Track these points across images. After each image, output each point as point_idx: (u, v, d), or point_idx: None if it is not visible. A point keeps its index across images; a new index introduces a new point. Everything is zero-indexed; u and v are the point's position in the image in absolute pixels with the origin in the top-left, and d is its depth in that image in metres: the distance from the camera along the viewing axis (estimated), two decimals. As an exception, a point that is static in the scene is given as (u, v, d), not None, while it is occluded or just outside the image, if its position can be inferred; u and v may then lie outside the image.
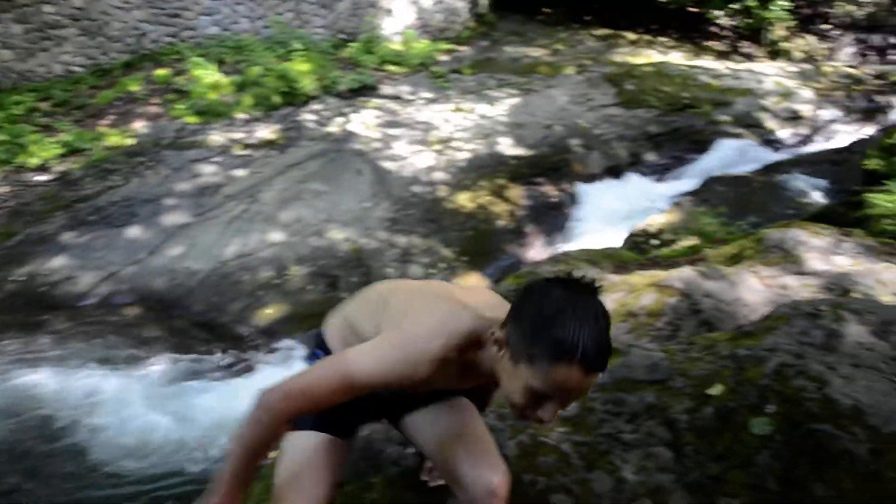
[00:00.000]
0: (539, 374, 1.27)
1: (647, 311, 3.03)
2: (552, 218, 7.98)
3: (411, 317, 1.44)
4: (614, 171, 9.13)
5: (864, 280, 3.01)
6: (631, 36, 13.28)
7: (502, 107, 10.04)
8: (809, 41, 15.38)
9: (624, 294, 3.23)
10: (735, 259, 3.56)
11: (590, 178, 8.83)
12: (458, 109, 9.88)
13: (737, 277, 3.20)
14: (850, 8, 15.72)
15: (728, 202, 7.14)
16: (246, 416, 1.43)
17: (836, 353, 2.03)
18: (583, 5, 13.97)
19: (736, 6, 14.82)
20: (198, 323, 6.16)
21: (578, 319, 1.22)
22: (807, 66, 12.58)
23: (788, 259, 3.30)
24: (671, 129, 10.07)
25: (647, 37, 13.42)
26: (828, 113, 10.80)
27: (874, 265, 3.16)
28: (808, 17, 16.16)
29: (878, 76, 12.53)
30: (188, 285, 6.47)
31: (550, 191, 8.42)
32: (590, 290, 1.28)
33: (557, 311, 1.25)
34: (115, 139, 8.20)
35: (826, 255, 3.29)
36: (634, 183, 8.99)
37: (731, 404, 1.95)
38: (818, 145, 10.03)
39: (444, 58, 11.72)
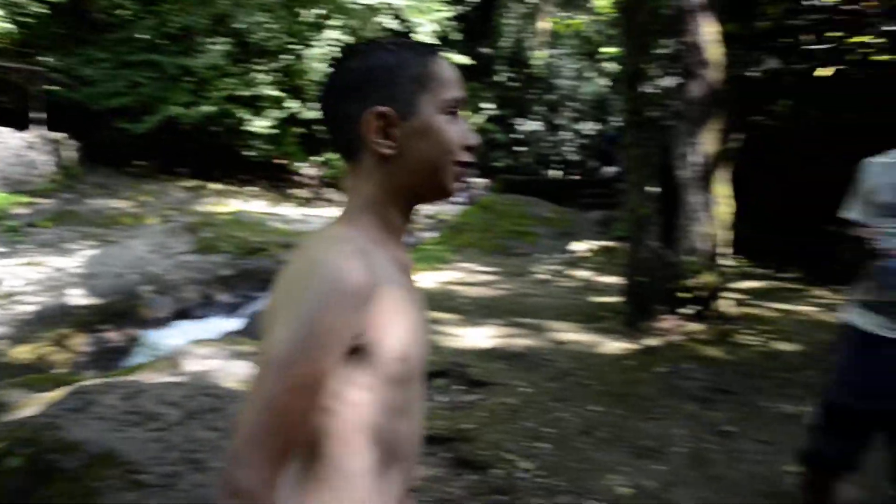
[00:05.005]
0: (429, 96, 1.09)
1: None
2: (110, 362, 8.51)
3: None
4: (184, 314, 9.98)
5: (218, 373, 4.38)
6: (218, 186, 14.56)
7: (78, 258, 10.45)
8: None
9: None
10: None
11: (158, 321, 9.55)
12: (30, 263, 10.09)
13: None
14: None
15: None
16: None
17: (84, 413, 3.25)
18: (175, 158, 15.02)
19: (319, 159, 17.03)
20: None
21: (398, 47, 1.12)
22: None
23: (172, 364, 4.62)
24: (242, 271, 11.26)
25: (234, 187, 14.81)
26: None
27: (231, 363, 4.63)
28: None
29: (430, 216, 15.18)
30: None
31: (114, 336, 8.98)
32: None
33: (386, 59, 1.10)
34: None
35: (201, 359, 4.64)
36: (203, 323, 9.89)
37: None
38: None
39: (23, 211, 11.84)
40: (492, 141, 19.95)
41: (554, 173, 20.34)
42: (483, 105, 19.94)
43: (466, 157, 1.13)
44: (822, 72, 7.45)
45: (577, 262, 9.43)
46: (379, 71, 1.09)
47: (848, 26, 7.59)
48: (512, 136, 19.26)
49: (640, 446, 3.84)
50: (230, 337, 7.05)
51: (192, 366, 4.49)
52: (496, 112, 19.83)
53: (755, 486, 3.42)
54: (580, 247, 10.09)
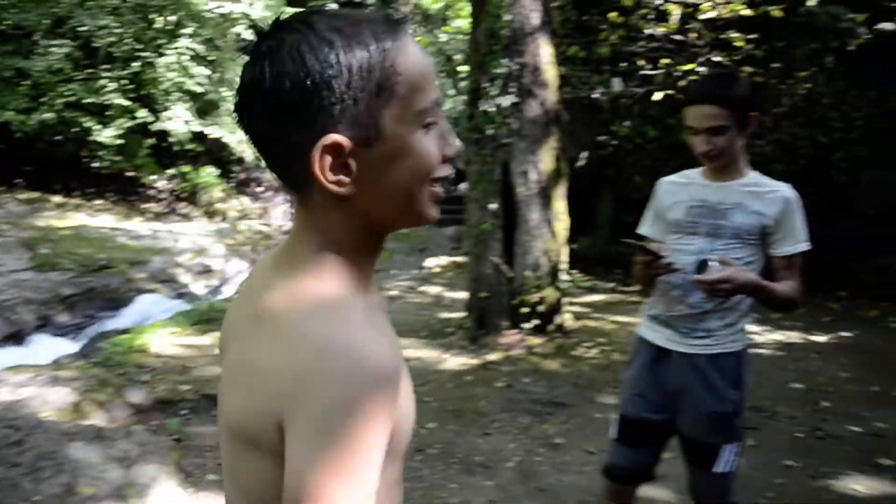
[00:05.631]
0: (396, 109, 0.82)
1: None
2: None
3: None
4: (17, 336, 9.26)
5: (31, 402, 4.06)
6: (60, 199, 13.69)
7: None
8: (244, 202, 17.58)
9: None
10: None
11: (-17, 345, 8.81)
12: None
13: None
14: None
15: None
16: None
17: None
18: (9, 168, 13.98)
19: (172, 171, 16.36)
20: None
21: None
22: (224, 225, 14.38)
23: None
24: (86, 290, 10.58)
25: (79, 200, 13.97)
26: (235, 265, 12.48)
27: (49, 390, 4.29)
28: (244, 181, 18.49)
29: (287, 231, 14.93)
30: None
31: (-72, 363, 8.20)
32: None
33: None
34: None
35: (14, 387, 4.29)
36: (41, 345, 9.21)
37: None
38: (227, 294, 11.52)
39: None
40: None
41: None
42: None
43: (444, 172, 0.88)
44: (656, 96, 7.88)
45: (429, 277, 9.49)
46: (325, 80, 0.78)
47: (677, 55, 8.08)
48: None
49: (472, 462, 3.87)
50: (59, 362, 6.61)
51: (1, 395, 4.13)
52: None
53: (578, 497, 3.51)
54: (434, 262, 10.18)
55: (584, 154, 9.31)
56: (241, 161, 17.32)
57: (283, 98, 0.79)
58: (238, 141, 14.54)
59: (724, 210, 2.20)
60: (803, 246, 2.19)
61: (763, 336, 6.50)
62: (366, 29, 0.81)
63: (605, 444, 3.94)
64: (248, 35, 14.18)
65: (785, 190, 2.21)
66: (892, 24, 8.44)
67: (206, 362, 5.31)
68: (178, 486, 3.51)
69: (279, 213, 18.33)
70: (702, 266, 2.06)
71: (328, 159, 0.80)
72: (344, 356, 0.75)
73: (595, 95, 8.91)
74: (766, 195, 2.19)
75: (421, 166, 0.84)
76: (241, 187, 18.06)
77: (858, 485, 3.71)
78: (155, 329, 6.34)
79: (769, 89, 8.74)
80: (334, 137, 0.79)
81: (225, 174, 17.03)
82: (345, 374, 0.74)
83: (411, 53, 0.83)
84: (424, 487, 3.55)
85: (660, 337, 2.31)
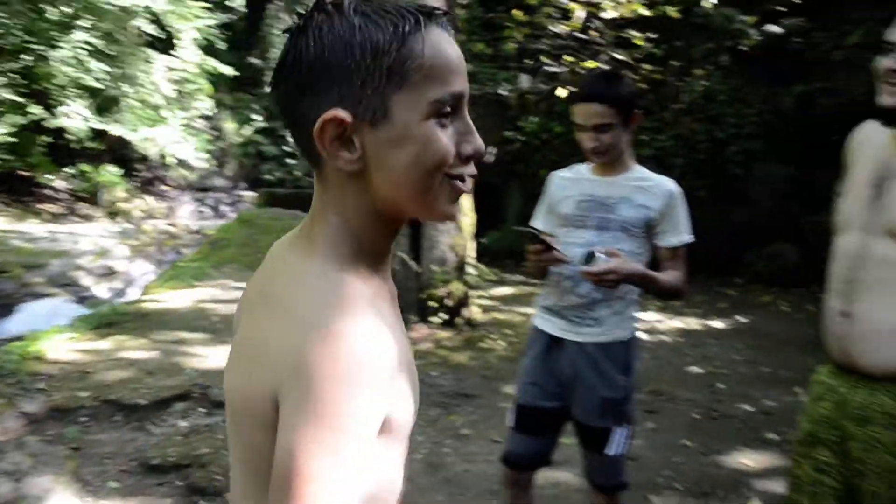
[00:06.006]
0: (408, 95, 0.83)
1: None
2: None
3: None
4: None
5: None
6: (-55, 202, 12.98)
7: None
8: (149, 202, 17.04)
9: None
10: None
11: None
12: None
13: None
14: (184, 172, 17.93)
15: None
16: None
17: None
18: None
19: (71, 171, 15.70)
20: None
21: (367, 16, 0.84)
22: (128, 226, 13.92)
23: None
24: (-25, 295, 10.08)
25: (-35, 202, 13.27)
26: (140, 267, 12.09)
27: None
28: (149, 180, 17.92)
29: (195, 231, 14.54)
30: None
31: None
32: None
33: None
34: None
35: None
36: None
37: None
38: (132, 297, 11.13)
39: None
40: (260, 153, 19.50)
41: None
42: (252, 117, 19.46)
43: (463, 170, 0.88)
44: (561, 92, 8.05)
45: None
46: (338, 58, 0.81)
47: (581, 52, 8.29)
48: (283, 148, 18.95)
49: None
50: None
51: None
52: (265, 124, 19.43)
53: (484, 486, 3.58)
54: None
55: (493, 150, 9.42)
56: (144, 159, 16.75)
57: (301, 73, 0.83)
58: (141, 138, 14.04)
59: (612, 204, 2.29)
60: (687, 238, 2.31)
61: (664, 324, 6.76)
62: (391, 15, 0.82)
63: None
64: (151, 29, 13.72)
65: (669, 184, 2.31)
66: (779, 26, 8.89)
67: (106, 367, 5.13)
68: (76, 496, 3.39)
69: (186, 213, 17.84)
70: (590, 258, 2.15)
71: (329, 132, 0.82)
72: (339, 340, 0.77)
73: (502, 92, 9.04)
74: (650, 189, 2.29)
75: (427, 155, 0.84)
76: (146, 186, 17.50)
77: (748, 459, 3.92)
78: (52, 335, 6.08)
79: (669, 86, 9.07)
80: (335, 112, 0.81)
81: (128, 173, 16.46)
82: (338, 358, 0.76)
83: (434, 44, 0.83)
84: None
85: (552, 326, 2.39)
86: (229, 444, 0.95)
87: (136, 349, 5.56)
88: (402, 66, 0.82)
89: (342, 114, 0.81)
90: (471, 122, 0.89)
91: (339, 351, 0.76)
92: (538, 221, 2.50)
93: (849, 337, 1.75)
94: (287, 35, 0.87)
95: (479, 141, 0.88)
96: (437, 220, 0.93)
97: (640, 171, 2.35)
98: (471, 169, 0.89)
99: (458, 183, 0.88)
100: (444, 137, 0.84)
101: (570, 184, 2.42)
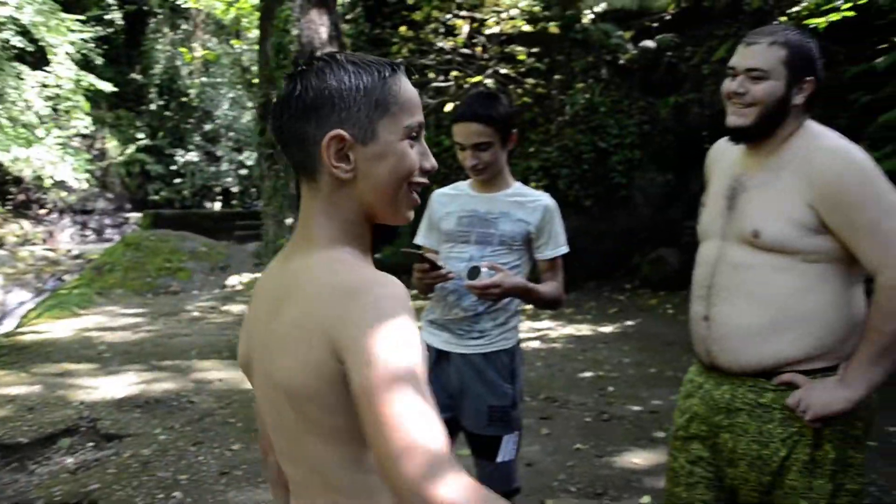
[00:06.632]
0: (389, 121, 1.08)
1: None
2: None
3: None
4: None
5: None
6: None
7: None
8: (24, 226, 16.16)
9: None
10: None
11: None
12: None
13: None
14: (63, 194, 17.06)
15: None
16: None
17: None
18: None
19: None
20: None
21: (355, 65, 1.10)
22: (2, 252, 13.15)
23: None
24: None
25: None
26: (17, 296, 11.45)
27: None
28: (24, 203, 17.00)
29: (77, 256, 13.88)
30: None
31: None
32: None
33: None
34: None
35: None
36: None
37: None
38: (8, 328, 10.49)
39: None
40: (146, 173, 18.82)
41: (215, 205, 19.79)
42: (136, 135, 18.76)
43: (421, 179, 1.13)
44: (448, 107, 8.20)
45: (232, 296, 9.22)
46: (338, 92, 1.06)
47: (466, 67, 8.45)
48: (170, 167, 18.38)
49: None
50: None
51: None
52: (149, 142, 18.77)
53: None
54: (236, 280, 9.89)
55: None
56: (18, 182, 15.89)
57: (307, 103, 1.06)
58: (13, 159, 13.28)
59: (492, 219, 2.36)
60: (563, 249, 2.41)
61: (556, 331, 6.96)
62: (373, 64, 1.09)
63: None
64: (17, 41, 12.96)
65: (545, 199, 2.41)
66: (653, 42, 9.34)
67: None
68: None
69: (67, 237, 17.05)
70: (473, 272, 2.21)
71: (333, 147, 1.05)
72: (375, 284, 0.98)
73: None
74: (528, 204, 2.38)
75: (402, 167, 1.08)
76: (21, 210, 16.61)
77: (638, 458, 4.08)
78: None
79: (552, 100, 9.37)
80: (339, 131, 1.05)
81: (0, 196, 15.59)
82: (381, 299, 0.96)
83: (403, 85, 1.10)
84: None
85: (438, 340, 2.43)
86: (282, 443, 1.12)
87: (14, 384, 5.26)
88: (385, 99, 1.07)
89: (344, 133, 1.05)
90: (426, 145, 1.14)
91: (379, 293, 0.96)
92: (420, 237, 2.55)
93: (710, 339, 1.89)
94: (288, 77, 1.11)
95: (433, 159, 1.14)
96: (398, 223, 1.15)
97: (518, 188, 2.44)
98: (425, 180, 1.13)
99: (414, 194, 1.14)
100: (413, 154, 1.10)
101: (450, 200, 2.48)
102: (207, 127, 20.03)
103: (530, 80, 8.47)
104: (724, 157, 2.00)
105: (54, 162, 13.60)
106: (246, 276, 9.93)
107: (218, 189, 20.31)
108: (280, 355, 1.04)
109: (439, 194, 2.53)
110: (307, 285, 1.03)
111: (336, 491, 1.06)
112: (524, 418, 2.56)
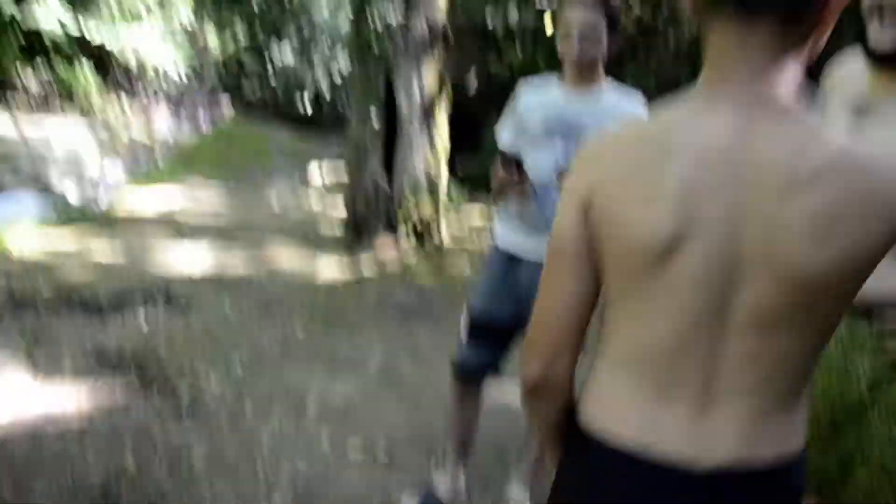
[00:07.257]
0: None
1: None
2: None
3: None
4: None
5: None
6: None
7: None
8: (125, 107, 16.67)
9: None
10: None
11: None
12: None
13: None
14: (164, 83, 17.54)
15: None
16: None
17: None
18: None
19: (45, 70, 15.25)
20: None
21: None
22: (102, 130, 13.66)
23: None
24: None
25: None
26: (111, 170, 11.90)
27: None
28: (126, 86, 17.48)
29: (170, 140, 14.28)
30: None
31: None
32: None
33: None
34: None
35: None
36: None
37: None
38: (101, 198, 10.96)
39: None
40: (242, 70, 19.07)
41: (307, 105, 19.92)
42: (237, 33, 18.94)
43: None
44: (549, 25, 7.94)
45: (313, 189, 9.46)
46: None
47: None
48: (268, 65, 18.55)
49: (336, 363, 3.93)
50: None
51: None
52: (248, 43, 18.98)
53: (438, 401, 3.62)
54: (317, 176, 10.08)
55: (474, 78, 9.32)
56: (122, 65, 16.35)
57: None
58: (119, 46, 13.65)
59: (581, 126, 2.26)
60: None
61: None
62: None
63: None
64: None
65: (640, 109, 2.30)
66: None
67: (70, 264, 5.12)
68: (28, 374, 3.42)
69: (161, 121, 17.53)
70: (562, 175, 2.14)
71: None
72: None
73: (489, 22, 8.90)
74: (622, 118, 2.27)
75: None
76: (122, 92, 17.11)
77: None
78: (18, 229, 6.02)
79: (657, 35, 8.96)
80: None
81: (105, 78, 16.05)
82: None
83: None
84: (287, 390, 3.58)
85: (512, 245, 2.41)
86: (736, 343, 0.92)
87: (102, 251, 5.54)
88: None
89: None
90: None
91: None
92: (505, 132, 2.48)
93: None
94: None
95: None
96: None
97: (610, 93, 2.33)
98: None
99: None
100: None
101: (538, 102, 2.39)
102: (305, 30, 20.01)
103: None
104: (847, 79, 1.78)
105: (157, 50, 13.90)
106: (328, 174, 10.10)
107: (309, 92, 20.42)
108: (808, 242, 0.86)
109: (527, 93, 2.45)
110: (840, 158, 0.87)
111: (792, 392, 0.97)
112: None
